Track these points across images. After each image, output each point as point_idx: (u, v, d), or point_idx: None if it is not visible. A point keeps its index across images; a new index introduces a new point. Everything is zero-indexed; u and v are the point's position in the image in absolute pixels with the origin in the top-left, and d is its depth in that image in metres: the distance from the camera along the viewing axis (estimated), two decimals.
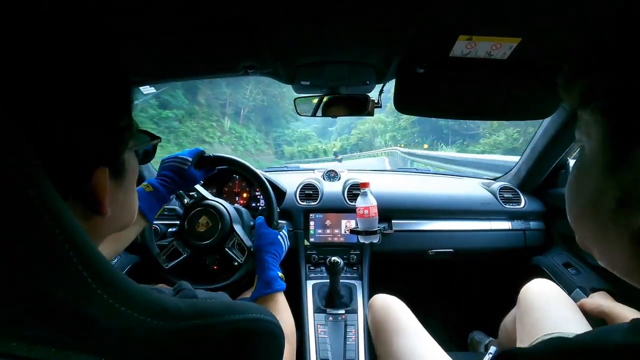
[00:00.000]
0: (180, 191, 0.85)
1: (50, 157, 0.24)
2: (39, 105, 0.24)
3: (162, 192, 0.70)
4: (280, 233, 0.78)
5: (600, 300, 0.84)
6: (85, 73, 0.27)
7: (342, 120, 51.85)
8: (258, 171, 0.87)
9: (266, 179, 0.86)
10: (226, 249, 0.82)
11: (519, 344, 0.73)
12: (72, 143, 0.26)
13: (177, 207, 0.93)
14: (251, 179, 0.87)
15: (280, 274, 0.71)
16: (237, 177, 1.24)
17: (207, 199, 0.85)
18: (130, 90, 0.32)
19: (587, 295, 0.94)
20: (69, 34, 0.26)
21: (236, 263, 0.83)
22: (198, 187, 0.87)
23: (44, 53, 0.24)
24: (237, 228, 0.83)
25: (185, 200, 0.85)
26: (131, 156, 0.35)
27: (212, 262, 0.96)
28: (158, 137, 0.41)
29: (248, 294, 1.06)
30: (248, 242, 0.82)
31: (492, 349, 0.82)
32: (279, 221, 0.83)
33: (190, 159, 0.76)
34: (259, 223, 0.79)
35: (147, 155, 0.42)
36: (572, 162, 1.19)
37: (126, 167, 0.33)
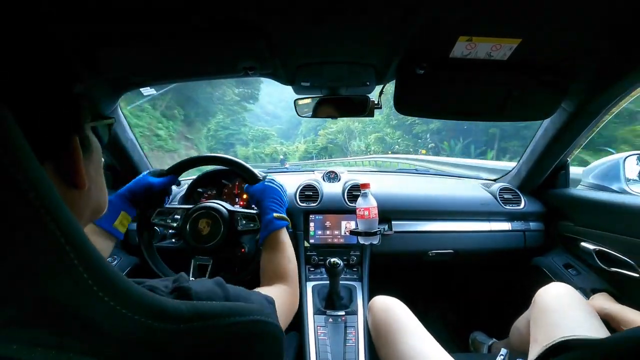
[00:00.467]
0: (162, 220, 0.84)
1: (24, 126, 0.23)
2: None
3: (115, 201, 0.72)
4: (265, 181, 0.79)
5: (604, 303, 0.84)
6: (24, 40, 0.27)
7: (309, 122, 44.76)
8: (211, 153, 0.87)
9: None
10: (239, 229, 0.82)
11: (532, 345, 0.73)
12: (37, 110, 0.26)
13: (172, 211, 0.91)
14: (213, 162, 0.86)
15: (275, 214, 0.72)
16: (236, 178, 1.24)
17: (191, 207, 0.84)
18: (75, 60, 0.33)
19: (588, 297, 0.94)
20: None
21: (258, 236, 0.83)
22: (178, 206, 0.87)
23: None
24: (234, 207, 0.84)
25: (174, 224, 0.84)
26: (91, 134, 0.36)
27: (238, 247, 0.95)
28: (111, 117, 0.42)
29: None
30: (251, 210, 0.83)
31: (503, 351, 0.81)
32: (260, 174, 0.83)
33: (147, 172, 0.80)
34: (244, 188, 0.82)
35: (104, 136, 0.43)
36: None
37: (91, 142, 0.35)
